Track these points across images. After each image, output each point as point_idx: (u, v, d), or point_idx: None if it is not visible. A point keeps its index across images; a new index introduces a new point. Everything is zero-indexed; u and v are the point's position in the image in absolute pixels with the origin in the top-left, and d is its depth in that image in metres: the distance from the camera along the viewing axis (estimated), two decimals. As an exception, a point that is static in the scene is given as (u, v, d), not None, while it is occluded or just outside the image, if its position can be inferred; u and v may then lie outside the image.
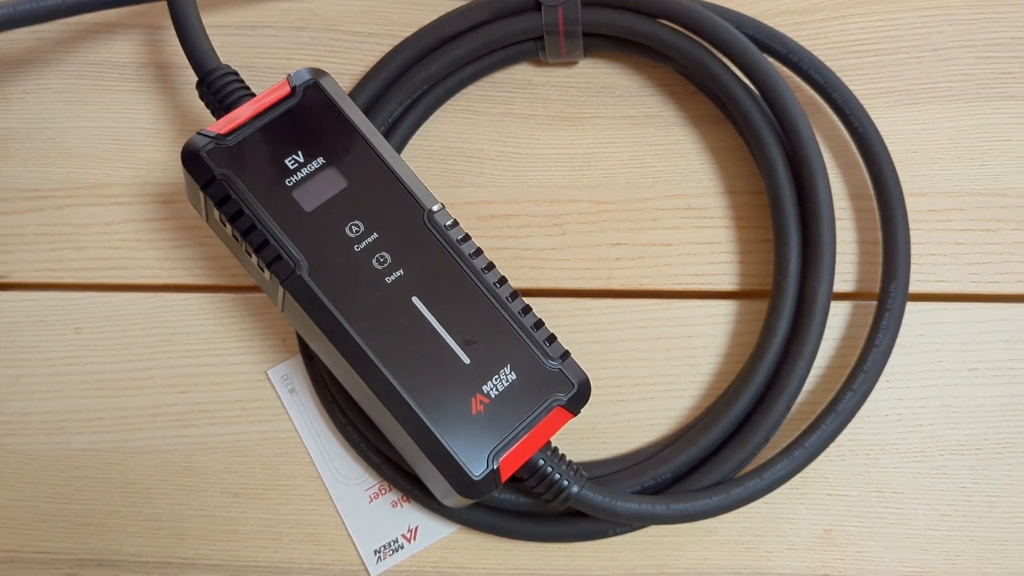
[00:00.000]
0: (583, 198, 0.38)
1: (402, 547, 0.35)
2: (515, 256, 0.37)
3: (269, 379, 0.37)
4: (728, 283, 0.37)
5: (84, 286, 0.38)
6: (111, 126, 0.39)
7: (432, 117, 0.39)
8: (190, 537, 0.36)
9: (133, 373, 0.37)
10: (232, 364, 0.37)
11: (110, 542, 0.36)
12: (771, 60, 0.36)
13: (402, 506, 0.35)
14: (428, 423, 0.30)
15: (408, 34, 0.38)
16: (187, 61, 0.34)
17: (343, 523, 0.35)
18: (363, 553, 0.35)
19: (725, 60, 0.36)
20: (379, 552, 0.35)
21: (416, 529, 0.35)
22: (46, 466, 0.36)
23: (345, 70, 0.39)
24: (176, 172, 0.39)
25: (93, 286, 0.38)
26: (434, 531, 0.35)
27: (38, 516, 0.36)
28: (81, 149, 0.39)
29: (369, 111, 0.37)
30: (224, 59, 0.34)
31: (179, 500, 0.36)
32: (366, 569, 0.35)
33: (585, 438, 0.36)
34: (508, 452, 0.30)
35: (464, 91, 0.39)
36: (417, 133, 0.38)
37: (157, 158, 0.39)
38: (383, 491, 0.36)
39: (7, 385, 0.37)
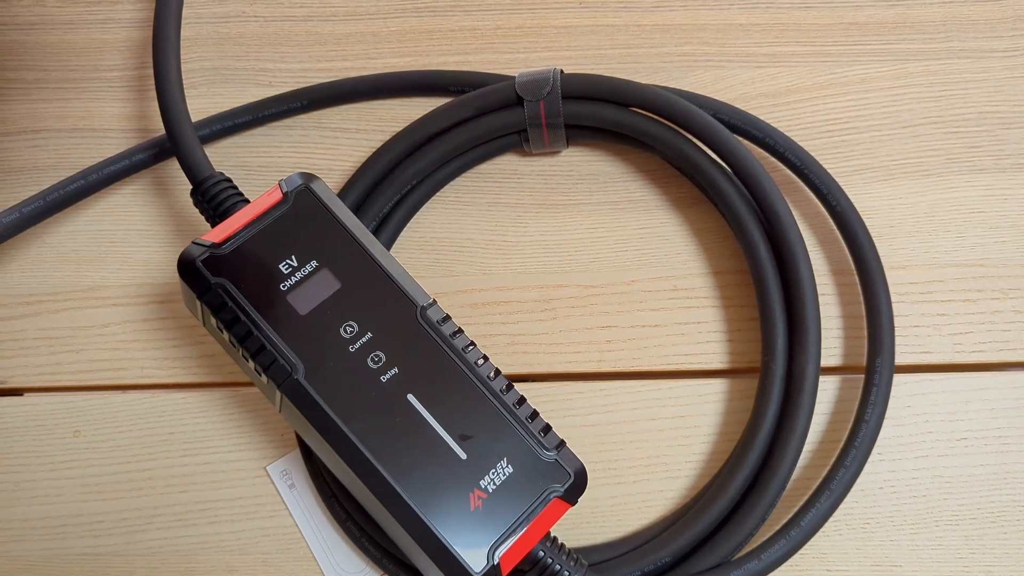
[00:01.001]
0: (572, 283, 0.39)
1: (405, 641, 0.35)
2: (508, 342, 0.38)
3: (268, 475, 0.37)
4: (717, 361, 0.38)
5: (82, 388, 0.38)
6: (107, 229, 0.40)
7: (422, 209, 0.40)
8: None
9: (132, 475, 0.37)
10: (231, 461, 0.37)
11: (112, 648, 0.36)
12: (747, 144, 0.38)
13: (404, 599, 0.36)
14: (427, 520, 0.30)
15: (395, 130, 0.39)
16: (176, 164, 0.35)
17: (346, 619, 0.36)
18: (367, 649, 0.35)
19: (703, 146, 0.37)
20: (383, 647, 0.35)
21: (419, 622, 0.35)
22: (48, 573, 0.36)
23: (336, 165, 0.40)
24: (172, 272, 0.39)
25: (91, 388, 0.38)
26: (437, 623, 0.35)
27: (40, 624, 0.36)
28: (78, 252, 0.40)
29: (360, 207, 0.38)
30: (216, 158, 0.35)
31: (181, 601, 0.36)
32: None
33: (583, 522, 0.36)
34: (508, 546, 0.31)
35: (452, 183, 0.40)
36: (408, 226, 0.39)
37: (153, 259, 0.40)
38: (385, 584, 0.36)
39: (8, 491, 0.37)
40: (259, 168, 0.40)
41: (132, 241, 0.40)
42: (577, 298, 0.39)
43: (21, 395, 0.38)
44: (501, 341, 0.38)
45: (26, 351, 0.39)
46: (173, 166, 0.40)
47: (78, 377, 0.38)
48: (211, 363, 0.38)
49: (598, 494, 0.36)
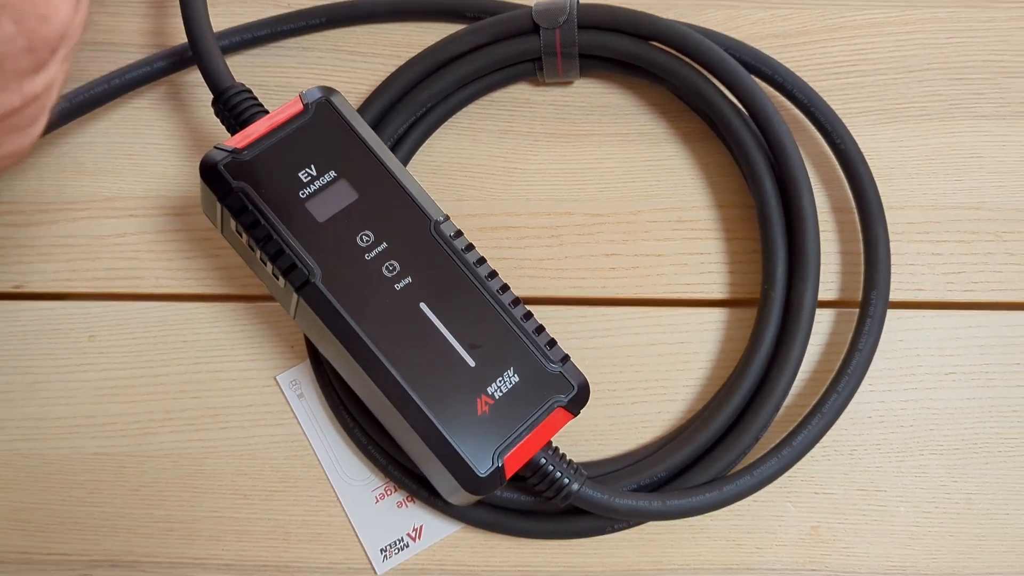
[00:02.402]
0: (579, 211, 0.40)
1: (407, 546, 0.37)
2: (515, 266, 0.39)
3: (278, 384, 0.38)
4: (718, 292, 0.39)
5: (98, 295, 0.39)
6: (124, 141, 0.41)
7: (435, 134, 0.40)
8: (202, 538, 0.37)
9: (145, 379, 0.38)
10: (242, 370, 0.38)
11: (123, 544, 0.37)
12: (758, 81, 0.38)
13: (407, 506, 0.37)
14: (436, 423, 0.31)
15: (410, 55, 0.40)
16: (196, 80, 0.36)
17: (350, 523, 0.37)
18: (369, 552, 0.37)
19: (715, 81, 0.38)
20: (385, 551, 0.37)
21: (421, 528, 0.37)
22: (60, 470, 0.37)
23: (351, 88, 0.41)
24: (187, 185, 0.40)
25: (106, 295, 0.39)
26: (438, 530, 0.37)
27: (53, 519, 0.37)
28: (95, 164, 0.40)
29: (376, 127, 0.39)
30: (234, 76, 0.36)
31: (191, 502, 0.37)
32: (372, 567, 0.36)
33: (583, 440, 0.37)
34: (512, 450, 0.32)
35: (465, 109, 0.41)
36: (421, 149, 0.40)
37: (169, 172, 0.40)
38: (389, 491, 0.37)
39: (23, 392, 0.38)
40: (276, 88, 0.41)
41: (149, 154, 0.40)
42: (584, 226, 0.40)
43: (38, 300, 0.39)
44: (508, 265, 0.39)
45: (43, 257, 0.39)
46: (189, 80, 0.41)
47: (94, 284, 0.39)
48: (225, 275, 0.39)
49: (597, 413, 0.38)
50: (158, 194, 0.40)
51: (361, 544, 0.37)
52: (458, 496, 0.33)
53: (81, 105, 0.37)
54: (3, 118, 0.24)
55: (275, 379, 0.38)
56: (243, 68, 0.41)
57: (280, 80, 0.41)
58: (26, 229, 0.40)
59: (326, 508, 0.37)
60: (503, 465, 0.32)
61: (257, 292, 0.39)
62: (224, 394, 0.38)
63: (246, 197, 0.32)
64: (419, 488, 0.36)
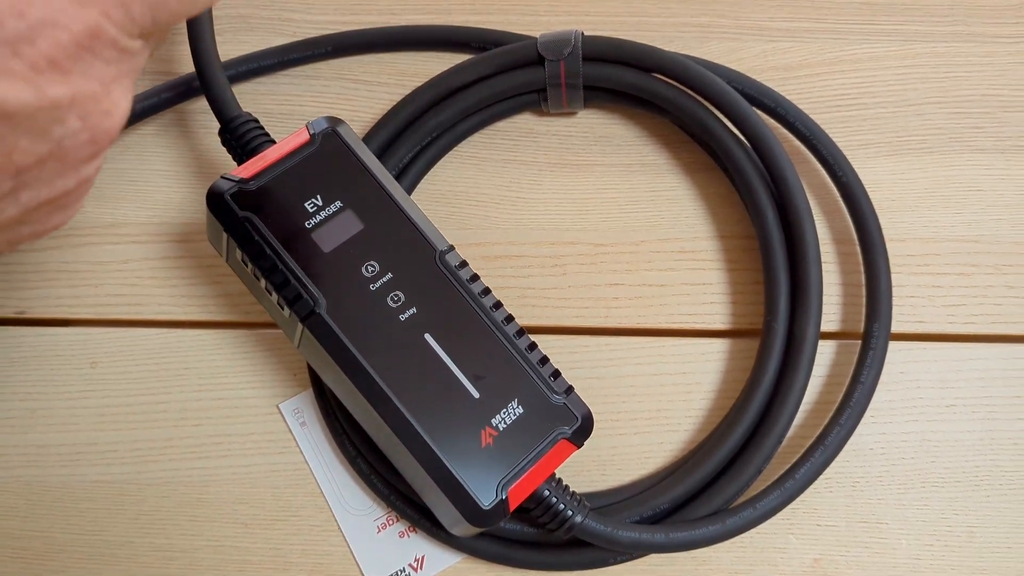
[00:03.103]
0: (582, 240, 0.40)
1: (408, 576, 0.36)
2: (518, 295, 0.39)
3: (280, 412, 0.38)
4: (720, 322, 0.39)
5: (100, 322, 0.39)
6: (129, 168, 0.41)
7: (440, 163, 0.41)
8: (202, 567, 0.37)
9: (147, 406, 0.38)
10: (244, 398, 0.38)
11: (123, 573, 0.36)
12: (760, 113, 0.39)
13: (409, 536, 0.37)
14: (440, 454, 0.31)
15: (416, 84, 0.40)
16: (201, 108, 0.36)
17: (352, 553, 0.37)
18: (370, 582, 0.36)
19: (717, 113, 0.38)
20: (386, 581, 0.36)
21: (423, 559, 0.37)
22: (61, 498, 0.37)
23: (356, 117, 0.41)
24: (191, 212, 0.40)
25: (109, 322, 0.39)
26: (440, 560, 0.36)
27: (52, 547, 0.37)
28: (99, 190, 0.40)
29: (381, 157, 0.39)
30: (242, 107, 0.36)
31: (191, 531, 0.37)
32: None
33: (585, 470, 0.37)
34: (516, 482, 0.32)
35: (470, 139, 0.41)
36: (426, 178, 0.40)
37: (173, 199, 0.40)
38: (391, 521, 0.37)
39: (24, 418, 0.38)
40: (281, 116, 0.41)
41: (153, 181, 0.41)
42: (587, 255, 0.40)
43: (41, 325, 0.39)
44: (512, 294, 0.39)
45: (46, 283, 0.39)
46: (195, 108, 0.41)
47: (96, 310, 0.39)
48: (227, 302, 0.39)
49: (600, 444, 0.38)
50: (162, 221, 0.40)
51: (363, 574, 0.36)
52: (461, 528, 0.33)
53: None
54: (55, 199, 0.25)
55: (277, 407, 0.38)
56: (249, 97, 0.41)
57: (286, 108, 0.41)
58: (29, 255, 0.40)
59: (328, 538, 0.37)
60: (507, 497, 0.32)
61: (260, 319, 0.39)
62: (226, 421, 0.38)
63: (252, 227, 0.32)
64: (421, 518, 0.36)
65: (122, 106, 0.25)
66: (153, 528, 0.37)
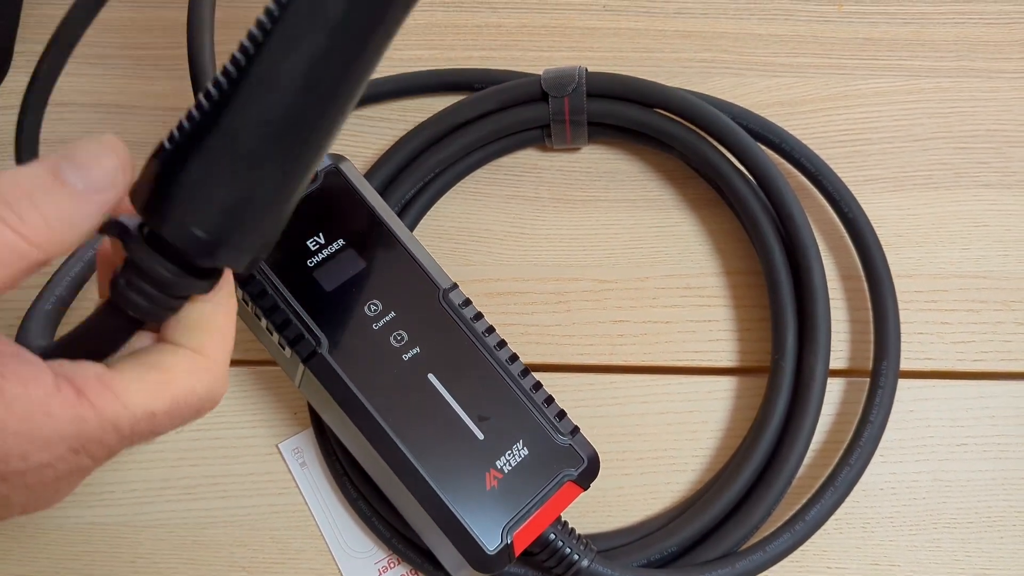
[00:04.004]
0: (586, 276, 0.39)
1: (410, 621, 0.36)
2: (522, 332, 0.39)
3: (280, 452, 0.37)
4: (727, 360, 0.38)
5: (98, 360, 0.38)
6: (129, 204, 0.40)
7: (443, 198, 0.40)
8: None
9: (145, 446, 0.37)
10: (243, 437, 0.38)
11: (118, 617, 0.36)
12: (765, 149, 0.38)
13: (411, 580, 0.36)
14: (443, 497, 0.31)
15: (419, 120, 0.40)
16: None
17: (352, 597, 0.36)
18: (372, 627, 0.35)
19: (722, 148, 0.38)
20: (387, 626, 0.36)
21: (425, 603, 0.36)
22: (56, 540, 0.36)
23: (359, 153, 0.41)
24: (191, 249, 0.40)
25: (107, 360, 0.38)
26: (443, 605, 0.36)
27: (46, 591, 0.36)
28: (98, 226, 0.40)
29: (383, 192, 0.39)
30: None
31: (188, 575, 0.36)
32: None
33: (591, 511, 0.37)
34: (522, 526, 0.31)
35: (473, 175, 0.41)
36: (429, 213, 0.40)
37: (173, 235, 0.40)
38: (392, 564, 0.36)
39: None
40: (283, 151, 0.41)
41: (153, 217, 0.40)
42: (591, 292, 0.39)
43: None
44: (516, 331, 0.39)
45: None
46: (198, 145, 0.41)
47: (94, 348, 0.39)
48: (228, 340, 0.39)
49: (606, 484, 0.37)
50: (162, 257, 0.40)
51: (363, 619, 0.36)
52: (465, 573, 0.32)
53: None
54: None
55: (277, 447, 0.37)
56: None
57: (287, 144, 0.41)
58: (24, 292, 0.39)
59: (328, 581, 0.36)
60: (512, 542, 0.31)
61: (259, 357, 0.38)
62: (224, 462, 0.37)
63: (254, 266, 0.32)
64: (424, 562, 0.35)
65: None
66: (149, 572, 0.36)
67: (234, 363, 0.38)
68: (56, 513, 0.37)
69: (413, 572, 0.36)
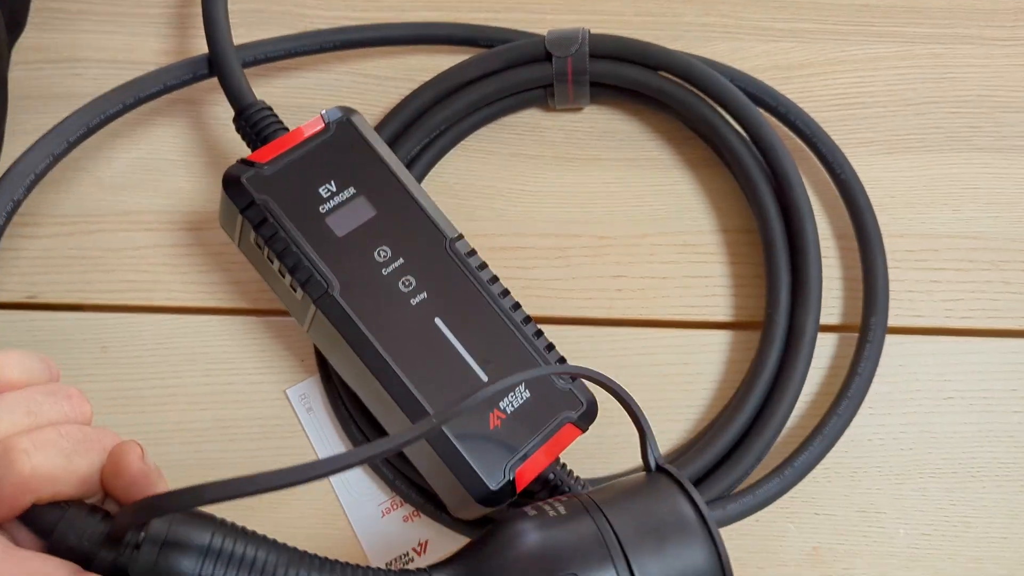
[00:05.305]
0: (586, 233, 0.41)
1: (412, 560, 0.37)
2: (523, 286, 0.40)
3: (287, 398, 0.39)
4: (722, 314, 0.40)
5: (111, 307, 0.40)
6: (142, 157, 0.41)
7: (447, 155, 0.41)
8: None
9: (157, 390, 0.39)
10: (252, 383, 0.39)
11: (129, 553, 0.37)
12: (762, 112, 0.39)
13: (413, 521, 0.37)
14: (450, 436, 0.32)
15: (424, 79, 0.41)
16: (214, 99, 0.36)
17: (355, 536, 0.37)
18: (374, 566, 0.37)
19: (721, 110, 0.39)
20: (390, 565, 0.37)
21: (426, 543, 0.37)
22: (69, 479, 0.37)
23: (365, 110, 0.41)
24: (202, 201, 0.41)
25: (120, 307, 0.40)
26: (444, 545, 0.37)
27: (60, 527, 0.37)
28: (112, 178, 0.41)
29: (390, 147, 0.40)
30: (253, 97, 0.37)
31: (198, 513, 0.37)
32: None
33: (587, 457, 0.38)
34: (523, 464, 0.32)
35: (477, 133, 0.42)
36: (433, 170, 0.41)
37: (185, 188, 0.41)
38: (395, 506, 0.37)
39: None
40: (293, 109, 0.42)
41: (166, 170, 0.41)
42: (591, 248, 0.40)
43: (51, 310, 0.39)
44: (517, 285, 0.40)
45: (58, 268, 0.40)
46: (208, 99, 0.42)
47: (108, 296, 0.40)
48: (237, 289, 0.40)
49: (602, 432, 0.38)
50: (174, 209, 0.41)
51: (366, 557, 0.37)
52: (468, 509, 0.33)
53: (99, 125, 0.37)
54: None
55: (284, 392, 0.39)
56: (260, 90, 0.41)
57: (297, 102, 0.42)
58: (42, 240, 0.40)
59: (332, 521, 0.37)
60: (514, 478, 0.32)
61: (269, 307, 0.40)
62: (233, 406, 0.38)
63: (267, 210, 0.33)
64: (426, 503, 0.36)
65: None
66: (161, 510, 0.37)
67: (244, 312, 0.40)
68: (70, 453, 0.38)
69: (415, 512, 0.37)
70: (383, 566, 0.36)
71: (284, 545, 0.26)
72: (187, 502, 0.23)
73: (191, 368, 0.39)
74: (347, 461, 0.24)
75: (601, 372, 0.29)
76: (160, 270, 0.40)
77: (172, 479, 0.37)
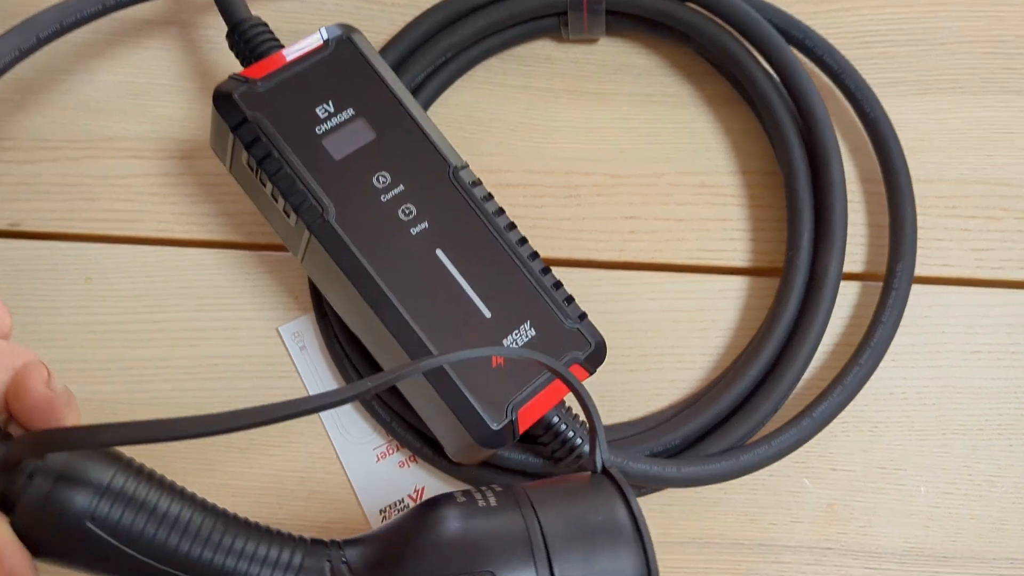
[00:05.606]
0: (598, 171, 0.38)
1: (407, 507, 0.35)
2: (530, 225, 0.38)
3: (280, 336, 0.37)
4: (739, 260, 0.38)
5: (96, 237, 0.38)
6: (130, 81, 0.39)
7: (453, 86, 0.39)
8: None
9: (143, 325, 0.37)
10: (244, 320, 0.37)
11: (111, 493, 0.35)
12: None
13: (409, 467, 0.35)
14: (450, 373, 0.30)
15: (432, 3, 0.39)
16: (206, 22, 0.34)
17: (349, 482, 0.35)
18: (368, 512, 0.35)
19: (746, 43, 0.37)
20: (384, 512, 0.35)
21: (423, 490, 0.35)
22: (49, 414, 0.36)
23: (369, 37, 0.39)
24: (194, 129, 0.39)
25: (105, 238, 0.38)
26: (441, 492, 0.35)
27: (39, 464, 0.35)
28: (99, 103, 0.39)
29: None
30: (250, 15, 0.35)
31: (183, 454, 0.35)
32: (371, 529, 0.35)
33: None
34: (526, 404, 0.30)
35: (485, 63, 0.40)
36: (438, 101, 0.39)
37: (175, 115, 0.39)
38: (391, 451, 0.36)
39: (15, 332, 0.36)
40: (293, 34, 0.39)
41: (155, 95, 0.39)
42: (603, 186, 0.38)
43: (34, 239, 0.37)
44: (524, 223, 0.37)
45: (41, 196, 0.38)
46: (200, 22, 0.40)
47: (92, 225, 0.38)
48: (229, 222, 0.38)
49: (610, 379, 0.36)
50: (163, 136, 0.39)
51: (360, 504, 0.35)
52: (468, 452, 0.31)
53: (73, 25, 0.34)
54: None
55: (277, 330, 0.37)
56: (256, 11, 0.40)
57: (296, 27, 0.40)
58: (25, 166, 0.38)
59: (325, 465, 0.35)
60: (516, 419, 0.30)
61: (262, 240, 0.38)
62: (223, 343, 0.37)
63: (260, 129, 0.31)
64: (423, 447, 0.34)
65: None
66: (142, 449, 0.35)
67: (236, 246, 0.38)
68: (51, 388, 0.36)
69: (411, 458, 0.35)
70: (377, 513, 0.35)
71: (195, 496, 0.25)
72: (84, 441, 0.22)
73: (179, 303, 0.37)
74: (274, 414, 0.22)
75: (552, 359, 0.27)
76: (148, 200, 0.38)
77: (157, 417, 0.36)
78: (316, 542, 0.25)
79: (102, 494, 0.23)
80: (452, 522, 0.25)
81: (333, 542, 0.26)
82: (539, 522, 0.25)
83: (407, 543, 0.25)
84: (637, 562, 0.24)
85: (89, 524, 0.23)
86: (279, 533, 0.25)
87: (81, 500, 0.22)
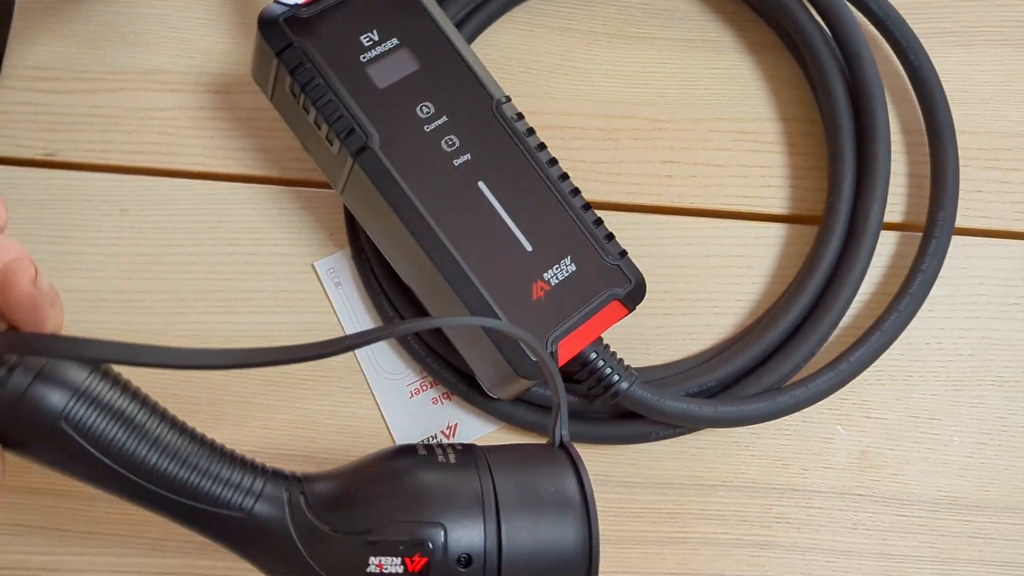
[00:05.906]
0: (637, 115, 0.38)
1: (440, 443, 0.35)
2: (568, 167, 0.37)
3: (315, 271, 0.37)
4: (778, 207, 0.37)
5: (132, 169, 0.37)
6: (169, 14, 0.39)
7: (492, 27, 0.39)
8: (226, 422, 0.35)
9: (178, 257, 0.37)
10: (278, 255, 0.37)
11: (145, 423, 0.35)
12: (832, -10, 0.37)
13: (443, 403, 0.35)
14: (492, 303, 0.30)
15: (473, -57, 0.38)
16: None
17: (383, 417, 0.35)
18: (401, 448, 0.35)
19: (789, -15, 0.37)
20: (417, 448, 0.35)
21: (456, 426, 0.35)
22: (85, 343, 0.36)
23: (408, -25, 0.39)
24: (231, 63, 0.38)
25: (141, 170, 0.37)
26: (474, 429, 0.35)
27: (74, 392, 0.35)
28: (137, 35, 0.39)
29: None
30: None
31: (217, 385, 0.35)
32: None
33: (629, 347, 0.36)
34: (566, 337, 0.30)
35: (526, 4, 0.39)
36: (476, 41, 0.39)
37: (214, 48, 0.39)
38: (424, 387, 0.36)
39: (50, 261, 0.36)
40: (330, -31, 0.39)
41: (193, 28, 0.39)
42: (641, 131, 0.38)
43: (70, 169, 0.37)
44: (562, 165, 0.37)
45: (77, 126, 0.38)
46: (241, -43, 0.39)
47: (129, 157, 0.38)
48: (266, 157, 0.38)
49: (644, 322, 0.36)
50: (201, 70, 0.38)
51: (393, 439, 0.35)
52: (506, 386, 0.31)
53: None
54: None
55: (312, 266, 0.37)
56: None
57: (334, -39, 0.39)
58: (62, 96, 0.38)
59: (358, 400, 0.36)
60: (556, 351, 0.30)
61: (298, 176, 0.37)
62: (258, 278, 0.37)
63: (305, 55, 0.31)
64: (458, 382, 0.34)
65: None
66: (177, 381, 0.35)
67: (272, 181, 0.37)
68: (84, 318, 0.36)
69: (445, 395, 0.35)
70: (409, 449, 0.35)
71: (168, 413, 0.26)
72: (67, 352, 0.22)
73: (214, 236, 0.37)
74: (267, 357, 0.23)
75: (523, 330, 0.27)
76: (185, 133, 0.38)
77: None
78: (277, 473, 0.26)
79: (79, 396, 0.23)
80: (410, 472, 0.26)
81: (294, 475, 0.27)
82: (494, 484, 0.26)
83: (364, 486, 0.26)
84: (581, 533, 0.25)
85: (63, 424, 0.23)
86: (244, 459, 0.26)
87: (57, 399, 0.23)
